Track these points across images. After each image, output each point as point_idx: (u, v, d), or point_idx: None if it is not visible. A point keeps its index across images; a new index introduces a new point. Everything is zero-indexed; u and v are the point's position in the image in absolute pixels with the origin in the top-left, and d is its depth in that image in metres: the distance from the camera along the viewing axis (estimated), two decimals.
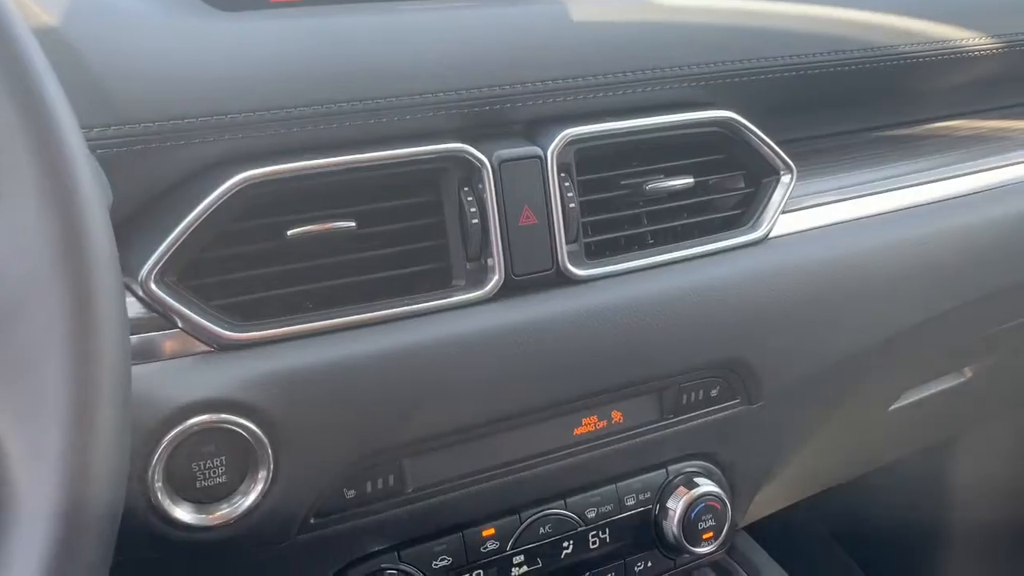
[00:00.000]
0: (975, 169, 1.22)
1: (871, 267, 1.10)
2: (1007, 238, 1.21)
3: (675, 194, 0.99)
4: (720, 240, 1.01)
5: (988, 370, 1.43)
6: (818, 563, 1.83)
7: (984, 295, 1.21)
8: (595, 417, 1.00)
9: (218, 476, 0.81)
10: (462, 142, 0.88)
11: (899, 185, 1.16)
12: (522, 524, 1.00)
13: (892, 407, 1.35)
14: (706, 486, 1.07)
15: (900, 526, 1.82)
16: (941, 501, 1.78)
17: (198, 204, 0.78)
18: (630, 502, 1.05)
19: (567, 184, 0.93)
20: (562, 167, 0.92)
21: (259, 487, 0.82)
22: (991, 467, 1.75)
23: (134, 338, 0.78)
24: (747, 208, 1.05)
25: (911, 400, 1.37)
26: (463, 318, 0.89)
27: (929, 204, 1.16)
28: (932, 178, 1.18)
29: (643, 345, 0.97)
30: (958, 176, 1.20)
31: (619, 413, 1.01)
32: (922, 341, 1.22)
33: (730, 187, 1.04)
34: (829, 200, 1.11)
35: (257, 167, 0.80)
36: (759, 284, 1.02)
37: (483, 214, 0.89)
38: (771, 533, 1.34)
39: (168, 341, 0.80)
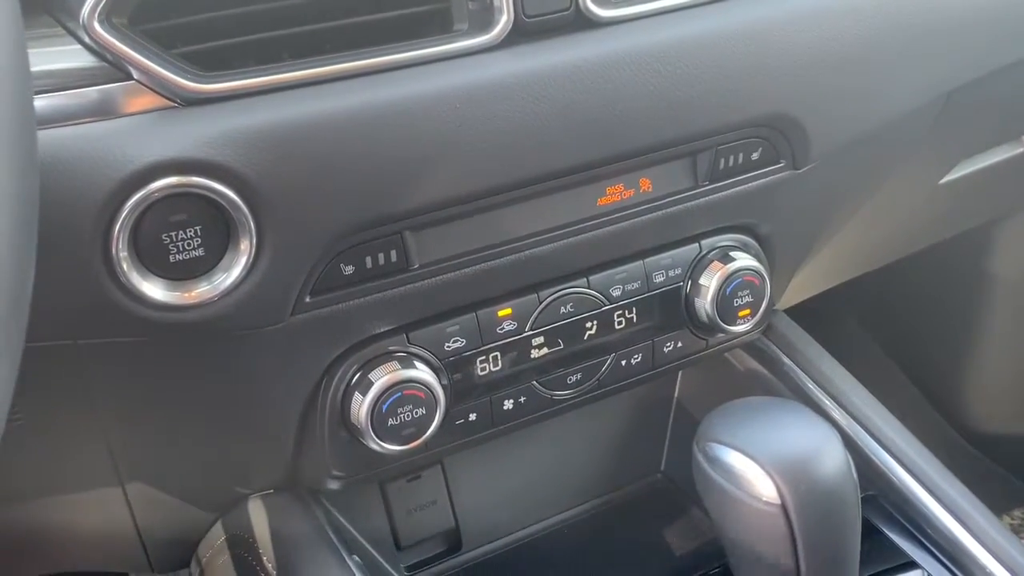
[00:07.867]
0: None
1: (937, 7, 0.97)
2: None
3: None
4: None
5: None
6: (853, 352, 1.78)
7: None
8: (621, 185, 0.90)
9: (194, 249, 0.72)
10: None
11: None
12: (541, 303, 0.92)
13: (944, 180, 1.25)
14: (744, 260, 0.98)
15: (936, 317, 1.76)
16: (981, 288, 1.69)
17: None
18: (659, 279, 0.97)
19: None
20: None
21: (242, 261, 0.74)
22: None
23: (83, 91, 0.69)
24: None
25: (964, 172, 1.27)
26: (466, 67, 0.79)
27: None
28: None
29: (676, 99, 0.86)
30: None
31: (648, 181, 0.91)
32: (985, 99, 1.11)
33: None
34: None
35: None
36: (810, 26, 0.90)
37: None
38: (806, 320, 1.25)
39: (124, 95, 0.71)
